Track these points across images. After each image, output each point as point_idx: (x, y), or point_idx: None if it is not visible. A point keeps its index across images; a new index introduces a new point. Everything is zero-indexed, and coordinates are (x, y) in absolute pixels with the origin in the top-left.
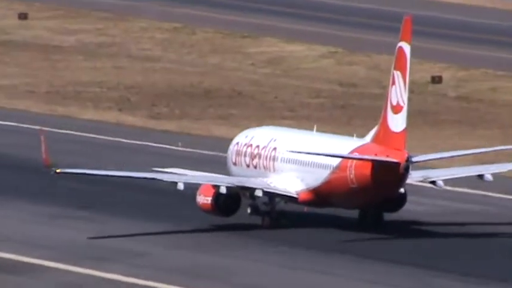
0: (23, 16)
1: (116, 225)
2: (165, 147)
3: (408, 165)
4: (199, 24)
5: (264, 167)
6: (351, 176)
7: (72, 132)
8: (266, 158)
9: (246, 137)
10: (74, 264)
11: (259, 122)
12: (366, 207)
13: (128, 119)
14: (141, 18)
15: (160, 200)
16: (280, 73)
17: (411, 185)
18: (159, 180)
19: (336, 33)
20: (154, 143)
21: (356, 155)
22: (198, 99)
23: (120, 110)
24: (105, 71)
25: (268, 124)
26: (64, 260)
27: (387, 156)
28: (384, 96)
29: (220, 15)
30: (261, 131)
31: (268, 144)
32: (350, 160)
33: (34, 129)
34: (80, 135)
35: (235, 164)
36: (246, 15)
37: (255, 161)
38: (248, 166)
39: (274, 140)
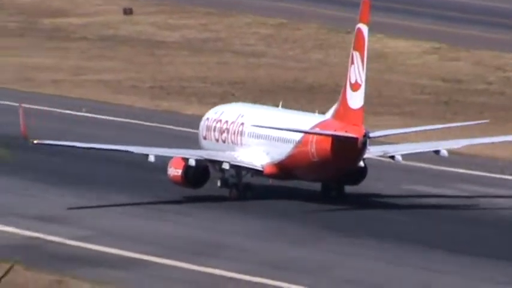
0: (128, 11)
1: (207, 217)
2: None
3: (365, 140)
4: (303, 20)
5: (232, 142)
6: (312, 150)
7: (176, 127)
8: (234, 132)
9: (216, 113)
10: (178, 259)
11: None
12: (327, 180)
13: None
14: (246, 14)
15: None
16: (385, 69)
17: (380, 160)
18: (130, 152)
19: (439, 29)
20: None
21: (317, 130)
22: (302, 94)
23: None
24: (209, 66)
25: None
26: (167, 255)
27: (346, 131)
28: (488, 91)
29: (324, 11)
30: (230, 107)
31: (236, 120)
32: (311, 135)
33: (140, 124)
34: (184, 131)
35: (205, 138)
36: (349, 11)
37: (224, 135)
38: (217, 141)
39: (242, 116)
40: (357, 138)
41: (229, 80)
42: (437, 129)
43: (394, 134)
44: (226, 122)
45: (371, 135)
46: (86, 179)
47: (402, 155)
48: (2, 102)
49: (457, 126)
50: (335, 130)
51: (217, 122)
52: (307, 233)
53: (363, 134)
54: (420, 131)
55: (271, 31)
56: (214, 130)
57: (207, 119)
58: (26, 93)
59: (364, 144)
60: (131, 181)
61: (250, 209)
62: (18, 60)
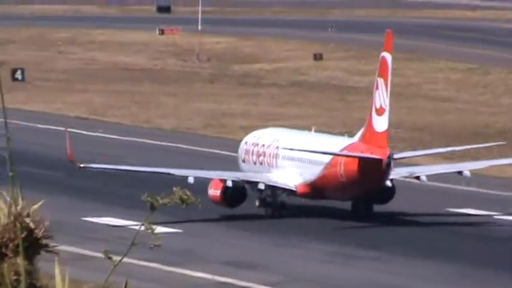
0: (318, 57)
1: (394, 260)
2: (455, 188)
3: (390, 161)
4: (493, 64)
5: (268, 164)
6: (341, 171)
7: None
8: (270, 155)
9: (254, 137)
10: None
11: None
12: (354, 198)
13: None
14: (435, 59)
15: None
16: None
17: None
18: (171, 174)
19: None
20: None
21: (345, 152)
22: (492, 140)
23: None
24: (397, 111)
25: None
26: None
27: (371, 153)
28: None
29: None
30: (267, 131)
31: (271, 143)
32: (340, 157)
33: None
34: None
35: (244, 161)
36: None
37: (261, 158)
38: (255, 163)
39: (277, 140)
40: (381, 160)
41: (417, 124)
42: (459, 150)
43: (418, 156)
44: (263, 145)
45: (395, 156)
46: (266, 222)
47: (427, 176)
48: (191, 147)
49: (479, 148)
50: (361, 152)
51: (254, 146)
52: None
53: (387, 155)
54: (442, 152)
55: (461, 76)
56: (252, 153)
57: (246, 143)
58: (216, 138)
59: (389, 165)
60: (314, 225)
61: (431, 249)
62: (209, 106)
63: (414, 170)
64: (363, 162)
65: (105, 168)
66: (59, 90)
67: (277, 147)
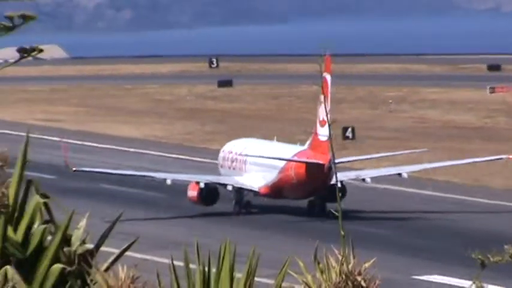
0: None
1: None
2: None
3: (330, 165)
4: None
5: (239, 169)
6: (292, 174)
7: None
8: (240, 161)
9: (229, 146)
10: None
11: None
12: (306, 197)
13: None
14: None
15: None
16: None
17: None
18: (152, 177)
19: None
20: None
21: (295, 158)
22: None
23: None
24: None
25: None
26: None
27: (315, 159)
28: None
29: None
30: (239, 141)
31: (241, 151)
32: (292, 162)
33: None
34: None
35: (221, 167)
36: None
37: (233, 164)
38: (229, 168)
39: (245, 148)
40: (323, 164)
41: None
42: (393, 155)
43: (356, 160)
44: (235, 153)
45: (336, 161)
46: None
47: (371, 178)
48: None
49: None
50: (308, 158)
51: (229, 153)
52: None
53: (328, 160)
54: (379, 157)
55: None
56: (227, 160)
57: (223, 151)
58: None
59: (330, 169)
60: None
61: None
62: None
63: (360, 173)
64: (309, 166)
65: (97, 172)
66: (388, 148)
67: (246, 155)
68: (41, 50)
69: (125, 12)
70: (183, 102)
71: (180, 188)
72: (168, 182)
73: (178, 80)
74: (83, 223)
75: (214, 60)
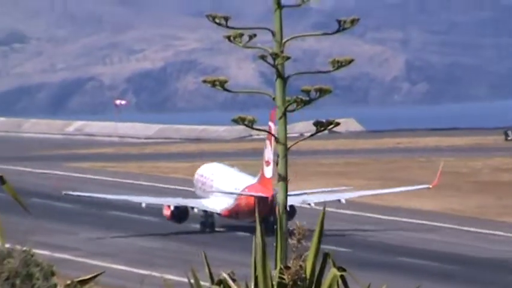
0: None
1: None
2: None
3: (273, 198)
4: None
5: (207, 192)
6: (243, 203)
7: None
8: (207, 185)
9: (202, 169)
10: None
11: None
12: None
13: None
14: None
15: None
16: None
17: (300, 206)
18: (130, 201)
19: None
20: None
21: (246, 190)
22: None
23: None
24: None
25: None
26: None
27: (262, 192)
28: None
29: None
30: (210, 166)
31: (209, 177)
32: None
33: None
34: None
35: (196, 187)
36: None
37: (203, 187)
38: (200, 189)
39: (212, 174)
40: (267, 197)
41: None
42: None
43: (304, 193)
44: (205, 177)
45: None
46: None
47: (315, 203)
48: None
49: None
50: (256, 191)
51: (201, 177)
52: None
53: (272, 194)
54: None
55: None
56: (199, 182)
57: (197, 173)
58: None
59: (273, 200)
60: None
61: None
62: None
63: (306, 198)
64: (257, 198)
65: (90, 196)
66: None
67: (212, 180)
68: (337, 124)
69: (421, 86)
70: (478, 175)
71: None
72: (143, 205)
73: (474, 153)
74: None
75: (510, 133)
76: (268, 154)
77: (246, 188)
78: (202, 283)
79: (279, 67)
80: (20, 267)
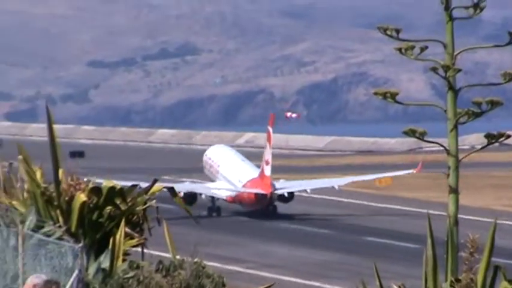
0: None
1: None
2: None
3: (271, 194)
4: None
5: (214, 175)
6: (245, 196)
7: None
8: (214, 169)
9: (210, 151)
10: None
11: None
12: (258, 209)
13: None
14: None
15: None
16: None
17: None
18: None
19: None
20: None
21: (248, 184)
22: None
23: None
24: None
25: None
26: None
27: (261, 189)
28: None
29: None
30: (217, 148)
31: (216, 161)
32: (247, 184)
33: None
34: None
35: (204, 168)
36: None
37: (211, 169)
38: (209, 171)
39: (219, 159)
40: (266, 194)
41: None
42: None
43: (297, 190)
44: (212, 161)
45: (276, 192)
46: None
47: (311, 189)
48: None
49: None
50: (257, 187)
51: (209, 159)
52: None
53: (270, 191)
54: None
55: None
56: (207, 164)
57: (205, 155)
58: None
59: (271, 196)
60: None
61: None
62: None
63: (303, 185)
64: (256, 194)
65: None
66: None
67: (219, 166)
68: (508, 136)
69: None
70: None
71: None
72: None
73: None
74: None
75: None
76: (268, 154)
77: (248, 182)
78: None
79: (450, 79)
80: (192, 278)
